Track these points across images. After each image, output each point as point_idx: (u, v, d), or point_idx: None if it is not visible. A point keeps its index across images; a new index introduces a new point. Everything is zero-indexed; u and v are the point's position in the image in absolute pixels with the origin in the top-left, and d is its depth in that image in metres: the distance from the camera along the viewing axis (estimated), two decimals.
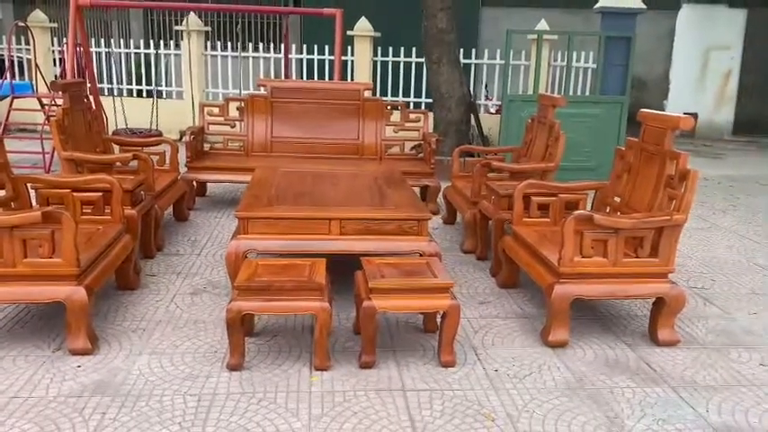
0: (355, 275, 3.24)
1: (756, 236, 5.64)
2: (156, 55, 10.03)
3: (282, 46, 9.09)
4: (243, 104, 6.22)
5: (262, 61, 10.47)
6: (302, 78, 10.89)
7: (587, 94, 10.03)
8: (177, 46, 10.36)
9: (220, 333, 3.29)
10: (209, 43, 10.29)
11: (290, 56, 9.23)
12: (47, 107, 7.68)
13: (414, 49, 9.82)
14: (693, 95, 12.89)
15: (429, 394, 2.81)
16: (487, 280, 4.27)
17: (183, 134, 7.42)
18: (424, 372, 3.01)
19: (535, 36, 9.50)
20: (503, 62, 8.50)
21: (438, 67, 7.90)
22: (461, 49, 8.46)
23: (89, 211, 3.79)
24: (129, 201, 4.00)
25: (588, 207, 4.16)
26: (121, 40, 10.66)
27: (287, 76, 9.03)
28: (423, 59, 8.62)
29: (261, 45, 10.67)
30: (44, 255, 2.98)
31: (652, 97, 12.81)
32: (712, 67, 12.91)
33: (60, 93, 4.83)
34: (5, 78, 7.77)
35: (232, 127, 6.25)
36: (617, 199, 3.86)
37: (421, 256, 3.46)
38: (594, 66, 9.06)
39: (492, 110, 10.42)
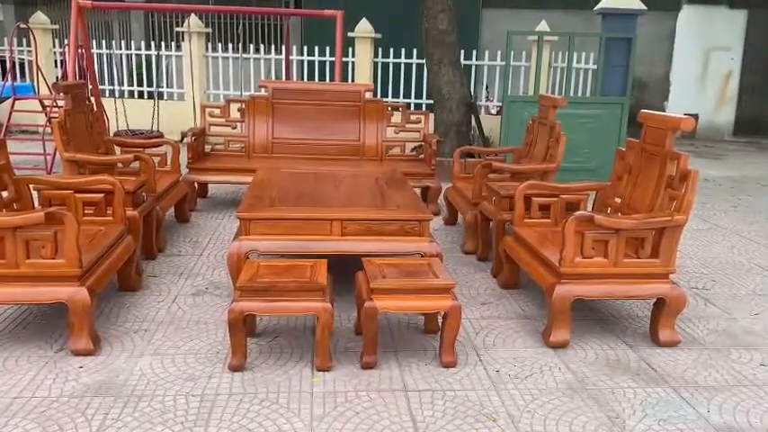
0: (356, 276, 3.25)
1: (757, 236, 5.64)
2: (158, 56, 10.04)
3: (283, 47, 9.10)
4: (244, 106, 6.23)
5: (263, 62, 10.49)
6: (303, 80, 10.89)
7: (588, 95, 10.04)
8: (178, 47, 10.37)
9: (222, 334, 3.30)
10: (210, 44, 10.31)
11: (291, 57, 9.25)
12: (48, 109, 7.69)
13: (414, 51, 9.84)
14: (694, 96, 12.90)
15: (431, 395, 2.82)
16: (488, 281, 4.28)
17: (184, 135, 7.42)
18: (426, 372, 3.01)
19: (536, 37, 9.52)
20: (503, 63, 8.50)
21: (439, 68, 7.91)
22: (462, 51, 8.47)
23: (91, 212, 3.80)
24: (130, 202, 4.01)
25: (589, 208, 4.16)
26: (123, 42, 10.68)
27: (288, 78, 9.05)
28: (423, 61, 8.63)
29: (262, 46, 10.69)
30: (47, 256, 3.00)
31: (653, 98, 12.81)
32: (713, 68, 12.92)
33: (62, 94, 4.85)
34: (7, 80, 7.78)
35: (233, 128, 6.27)
36: (618, 200, 3.87)
37: (422, 256, 3.47)
38: (595, 67, 9.06)
39: (493, 111, 10.43)
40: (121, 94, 10.04)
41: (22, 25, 8.89)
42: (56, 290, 3.01)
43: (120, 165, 4.72)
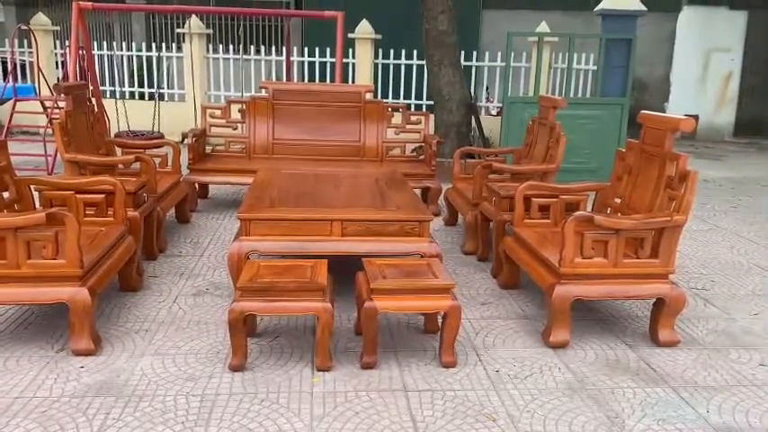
0: (357, 276, 3.26)
1: (757, 237, 5.65)
2: (159, 57, 10.06)
3: (284, 48, 9.12)
4: (244, 107, 6.25)
5: (263, 64, 10.51)
6: (304, 81, 10.91)
7: (588, 96, 10.05)
8: (179, 48, 10.39)
9: (223, 334, 3.31)
10: (210, 46, 10.33)
11: (291, 58, 9.26)
12: (49, 110, 7.71)
13: (415, 52, 9.85)
14: (694, 97, 12.91)
15: (430, 395, 2.83)
16: (488, 281, 4.29)
17: (184, 136, 7.43)
18: (426, 372, 3.02)
19: (536, 38, 9.52)
20: (504, 64, 8.51)
21: (439, 69, 7.92)
22: (462, 52, 8.49)
23: (92, 212, 3.81)
24: (131, 203, 4.02)
25: (589, 208, 4.17)
26: (123, 43, 10.70)
27: (288, 79, 9.07)
28: (424, 62, 8.64)
29: (262, 47, 10.71)
30: (48, 256, 3.01)
31: (653, 99, 12.82)
32: (713, 69, 12.93)
33: (63, 95, 4.86)
34: (8, 81, 7.80)
35: (234, 129, 6.28)
36: (617, 200, 3.88)
37: (422, 257, 3.48)
38: (595, 68, 9.07)
39: (493, 112, 10.45)
40: (122, 96, 10.06)
41: (24, 27, 8.91)
42: (57, 290, 3.02)
43: (120, 166, 4.74)
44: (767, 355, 3.34)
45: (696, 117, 12.38)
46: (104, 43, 10.53)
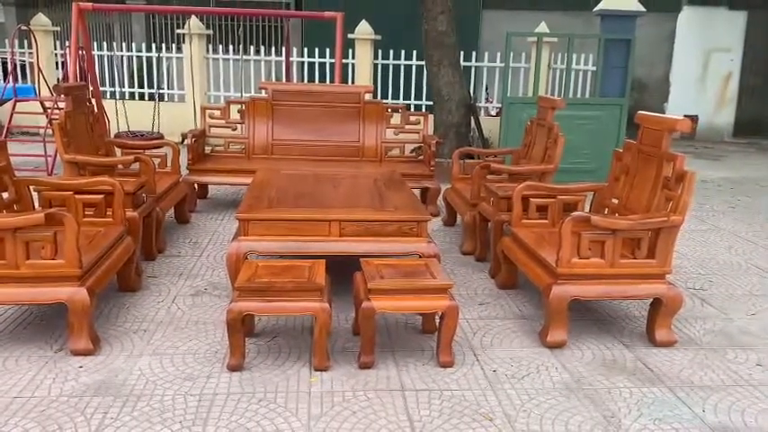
0: (354, 276, 3.27)
1: (756, 237, 5.66)
2: (158, 58, 10.07)
3: (284, 49, 9.13)
4: (244, 107, 6.26)
5: (263, 64, 10.52)
6: (303, 81, 10.92)
7: (587, 96, 10.06)
8: (179, 49, 10.40)
9: (221, 334, 3.32)
10: (210, 46, 10.34)
11: (291, 59, 9.27)
12: (49, 110, 7.72)
13: (414, 52, 9.86)
14: (694, 97, 12.92)
15: (428, 394, 2.84)
16: (486, 281, 4.30)
17: (184, 137, 7.44)
18: (423, 372, 3.03)
19: (535, 38, 9.52)
20: (503, 65, 8.53)
21: (438, 69, 7.93)
22: (462, 52, 8.49)
23: (91, 213, 3.82)
24: (130, 203, 4.04)
25: (586, 209, 4.18)
26: (123, 44, 10.72)
27: (288, 79, 9.07)
28: (423, 62, 8.65)
29: (262, 48, 10.72)
30: (47, 256, 3.02)
31: (653, 99, 12.83)
32: (713, 69, 12.94)
33: (63, 96, 4.87)
34: (8, 82, 7.81)
35: (233, 129, 6.29)
36: (615, 200, 3.89)
37: (420, 257, 3.49)
38: (594, 68, 9.08)
39: (492, 112, 10.45)
40: (122, 96, 10.08)
41: (24, 27, 8.93)
42: (56, 290, 3.03)
43: (120, 166, 4.74)
44: (764, 355, 3.35)
45: (696, 117, 12.44)
46: (104, 44, 10.55)
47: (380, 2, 11.85)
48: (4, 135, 7.15)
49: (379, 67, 10.21)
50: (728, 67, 12.92)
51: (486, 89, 10.81)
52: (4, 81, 8.05)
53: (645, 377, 3.07)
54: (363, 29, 9.97)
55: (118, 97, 9.67)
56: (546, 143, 4.94)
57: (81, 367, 2.97)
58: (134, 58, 10.77)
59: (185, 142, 5.96)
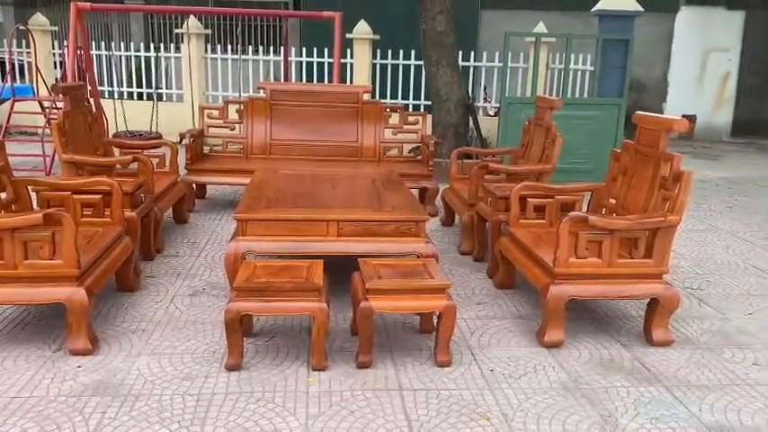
0: (352, 276, 3.28)
1: (753, 237, 5.67)
2: (157, 58, 10.07)
3: (282, 49, 9.13)
4: (242, 107, 6.26)
5: (261, 64, 10.51)
6: (302, 81, 10.92)
7: (585, 96, 10.07)
8: (177, 49, 10.40)
9: (219, 334, 3.32)
10: (209, 46, 10.34)
11: (289, 59, 9.27)
12: (47, 110, 7.72)
13: (413, 52, 9.86)
14: (692, 97, 12.94)
15: (425, 394, 2.85)
16: (484, 281, 4.31)
17: (182, 137, 7.44)
18: (421, 372, 3.04)
19: (533, 38, 9.52)
20: (501, 64, 8.53)
21: (437, 69, 7.94)
22: (460, 52, 8.50)
23: (89, 213, 3.83)
24: (128, 203, 4.04)
25: (584, 209, 4.19)
26: (122, 43, 10.71)
27: (286, 79, 9.07)
28: (422, 62, 8.66)
29: (260, 48, 10.72)
30: (45, 256, 3.02)
31: (651, 99, 12.85)
32: (711, 69, 12.96)
33: (61, 96, 4.87)
34: (6, 81, 7.81)
35: (231, 129, 6.29)
36: (612, 200, 3.90)
37: (418, 257, 3.49)
38: (592, 68, 9.09)
39: (491, 112, 10.46)
40: (120, 96, 10.07)
41: (22, 27, 8.92)
42: (54, 290, 3.03)
43: (118, 166, 4.74)
44: (761, 354, 3.37)
45: (694, 117, 12.46)
46: (102, 43, 10.53)
47: (379, 2, 11.86)
48: (2, 135, 7.15)
49: (378, 66, 10.22)
50: (726, 66, 12.95)
51: (485, 89, 10.82)
52: (3, 81, 8.04)
53: (642, 376, 3.08)
54: (362, 28, 9.98)
55: (116, 97, 9.66)
56: (544, 143, 4.95)
57: (79, 367, 2.98)
58: (132, 58, 10.77)
59: (183, 142, 5.97)
